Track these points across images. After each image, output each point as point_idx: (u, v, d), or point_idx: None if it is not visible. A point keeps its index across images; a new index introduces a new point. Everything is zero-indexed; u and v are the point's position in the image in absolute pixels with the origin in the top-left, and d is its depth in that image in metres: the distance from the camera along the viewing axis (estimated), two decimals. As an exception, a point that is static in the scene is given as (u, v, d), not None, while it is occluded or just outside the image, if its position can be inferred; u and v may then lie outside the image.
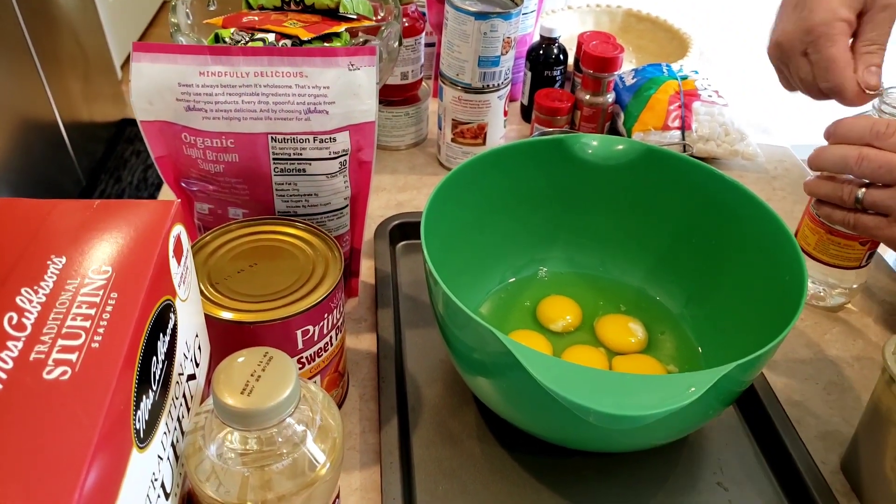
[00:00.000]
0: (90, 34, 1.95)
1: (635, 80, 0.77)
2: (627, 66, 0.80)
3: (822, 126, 0.54)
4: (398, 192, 0.72)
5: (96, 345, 0.28)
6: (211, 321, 0.43)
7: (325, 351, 0.48)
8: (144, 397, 0.29)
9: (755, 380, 0.54)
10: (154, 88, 0.48)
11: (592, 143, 0.57)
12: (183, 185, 0.53)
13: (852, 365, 0.59)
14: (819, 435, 0.53)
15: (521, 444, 0.51)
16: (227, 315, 0.43)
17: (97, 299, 0.29)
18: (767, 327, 0.45)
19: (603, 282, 0.61)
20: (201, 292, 0.44)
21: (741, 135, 0.76)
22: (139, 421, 0.29)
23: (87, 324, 0.28)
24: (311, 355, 0.47)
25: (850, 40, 0.55)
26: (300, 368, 0.47)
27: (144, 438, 0.29)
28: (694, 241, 0.57)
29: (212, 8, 0.64)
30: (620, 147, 0.57)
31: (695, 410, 0.43)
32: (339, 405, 0.53)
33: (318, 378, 0.49)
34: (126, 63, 2.28)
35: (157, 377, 0.31)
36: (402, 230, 0.66)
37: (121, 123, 2.12)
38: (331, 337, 0.48)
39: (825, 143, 0.54)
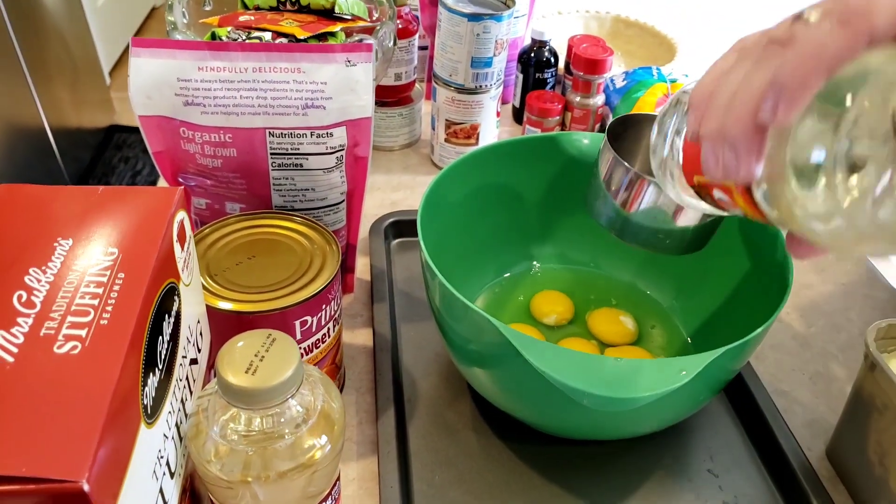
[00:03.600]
0: (78, 41, 1.95)
1: (625, 82, 0.78)
2: (618, 70, 0.81)
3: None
4: (392, 192, 0.73)
5: (105, 322, 0.28)
6: (210, 311, 0.43)
7: (323, 342, 0.49)
8: (151, 375, 0.30)
9: (743, 370, 0.55)
10: (153, 83, 0.49)
11: (583, 141, 0.58)
12: (181, 180, 0.53)
13: (837, 356, 0.60)
14: (805, 423, 0.54)
15: (516, 435, 0.52)
16: (226, 305, 0.44)
17: (104, 279, 0.30)
18: (755, 316, 0.46)
19: (595, 277, 0.62)
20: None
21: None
22: (146, 397, 0.29)
23: (96, 302, 0.29)
24: (308, 346, 0.48)
25: None
26: (298, 359, 0.47)
27: (152, 415, 0.30)
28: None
29: (207, 8, 0.65)
30: (611, 144, 0.58)
31: (686, 395, 0.45)
32: (336, 397, 0.54)
33: (315, 369, 0.49)
34: (115, 69, 2.28)
35: (163, 357, 0.32)
36: (397, 228, 0.67)
37: (109, 130, 2.11)
38: (328, 328, 0.48)
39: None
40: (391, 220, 0.67)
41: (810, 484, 0.48)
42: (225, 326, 0.44)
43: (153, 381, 0.30)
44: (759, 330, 0.43)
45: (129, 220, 0.33)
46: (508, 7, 0.66)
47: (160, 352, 0.31)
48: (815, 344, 0.61)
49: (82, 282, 0.30)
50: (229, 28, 0.60)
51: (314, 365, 0.49)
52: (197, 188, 0.53)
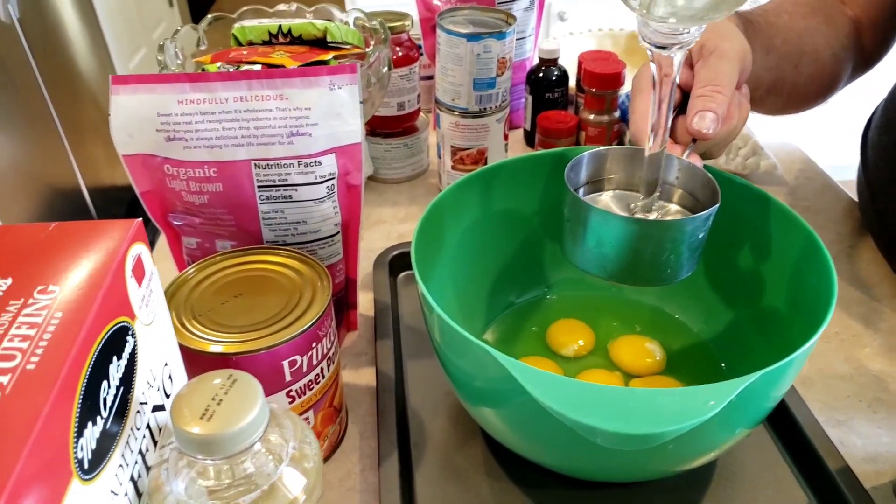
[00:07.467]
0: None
1: (640, 97, 0.74)
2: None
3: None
4: (399, 224, 0.70)
5: (32, 366, 0.25)
6: (192, 355, 0.40)
7: (317, 384, 0.45)
8: (91, 424, 0.27)
9: (789, 397, 0.49)
10: (134, 120, 0.47)
11: (594, 156, 0.54)
12: (170, 219, 0.51)
13: (897, 378, 0.54)
14: (867, 458, 0.48)
15: (533, 479, 0.47)
16: (208, 347, 0.41)
17: (39, 319, 0.27)
18: (796, 338, 0.41)
19: (616, 302, 0.57)
20: (183, 326, 0.42)
21: (755, 147, 0.73)
22: (82, 449, 0.26)
23: (25, 345, 0.26)
24: (300, 388, 0.44)
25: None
26: (290, 403, 0.44)
27: (90, 469, 0.26)
28: (711, 252, 0.53)
29: (202, 48, 0.63)
30: (624, 158, 0.54)
31: (717, 429, 0.39)
32: (338, 443, 0.50)
33: (310, 413, 0.46)
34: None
35: (109, 404, 0.28)
36: (403, 260, 0.63)
37: (142, 186, 2.15)
38: (321, 368, 0.45)
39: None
40: (396, 252, 0.63)
41: (875, 526, 0.42)
42: (208, 370, 0.41)
43: (94, 431, 0.27)
44: (798, 352, 0.38)
45: (76, 255, 0.30)
46: (509, 24, 0.63)
47: (104, 399, 0.28)
48: (871, 367, 0.55)
49: (14, 323, 0.27)
50: (219, 63, 0.58)
51: (309, 409, 0.45)
52: (186, 227, 0.51)
